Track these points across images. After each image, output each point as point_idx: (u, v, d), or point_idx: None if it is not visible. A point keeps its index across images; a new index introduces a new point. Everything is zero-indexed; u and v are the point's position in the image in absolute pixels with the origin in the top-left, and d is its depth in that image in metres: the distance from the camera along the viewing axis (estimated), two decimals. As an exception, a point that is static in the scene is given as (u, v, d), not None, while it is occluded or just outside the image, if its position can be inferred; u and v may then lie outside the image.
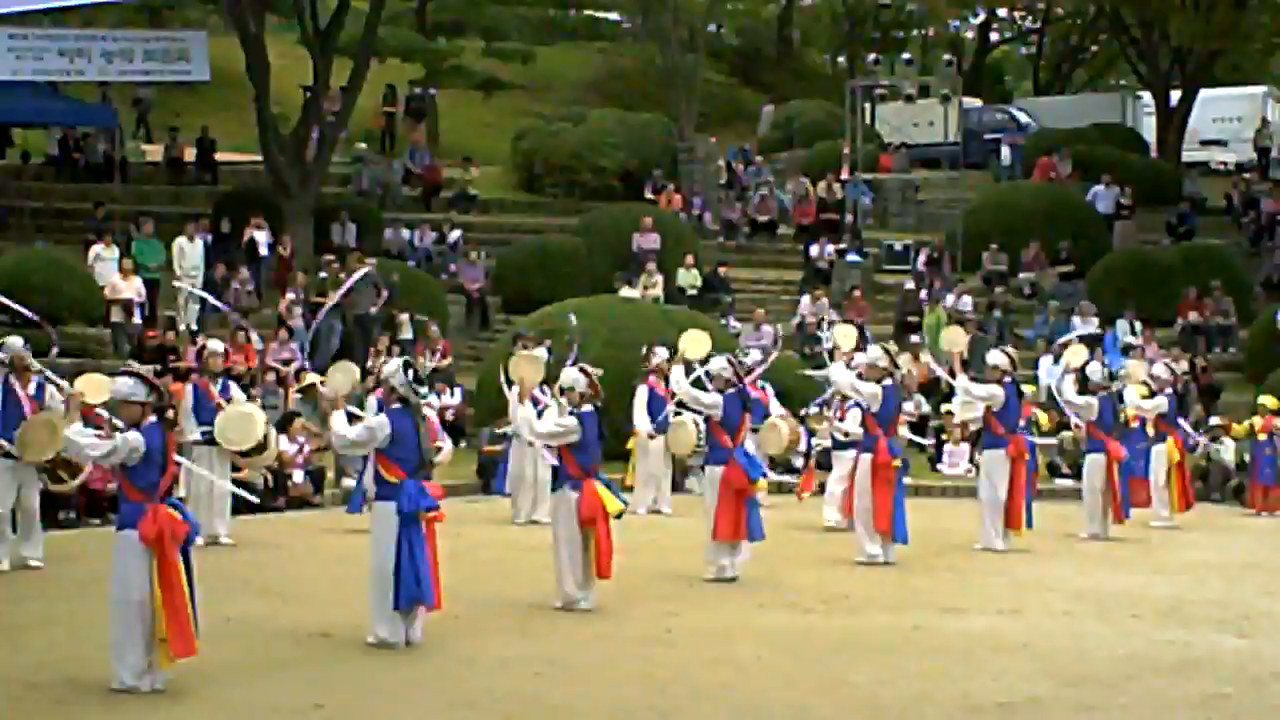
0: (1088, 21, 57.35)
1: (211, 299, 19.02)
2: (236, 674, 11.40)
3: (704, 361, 16.94)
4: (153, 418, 10.99)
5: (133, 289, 28.06)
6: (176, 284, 28.30)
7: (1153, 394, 21.85)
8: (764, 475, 16.42)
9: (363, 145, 39.78)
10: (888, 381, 17.40)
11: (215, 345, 18.91)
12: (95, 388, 14.33)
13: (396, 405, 12.53)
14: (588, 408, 14.17)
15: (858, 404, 18.23)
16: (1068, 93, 59.49)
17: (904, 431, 20.73)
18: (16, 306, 17.79)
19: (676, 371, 17.22)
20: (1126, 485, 20.32)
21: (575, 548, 14.05)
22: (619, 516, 14.16)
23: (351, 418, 13.36)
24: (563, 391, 14.35)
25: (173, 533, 10.84)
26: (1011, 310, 33.17)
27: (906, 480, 23.49)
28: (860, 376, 17.60)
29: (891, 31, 62.16)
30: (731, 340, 27.34)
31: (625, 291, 31.26)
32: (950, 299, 32.55)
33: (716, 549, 15.94)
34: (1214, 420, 25.76)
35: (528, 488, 20.27)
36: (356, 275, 24.67)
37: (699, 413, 16.75)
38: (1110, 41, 54.82)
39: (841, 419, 19.94)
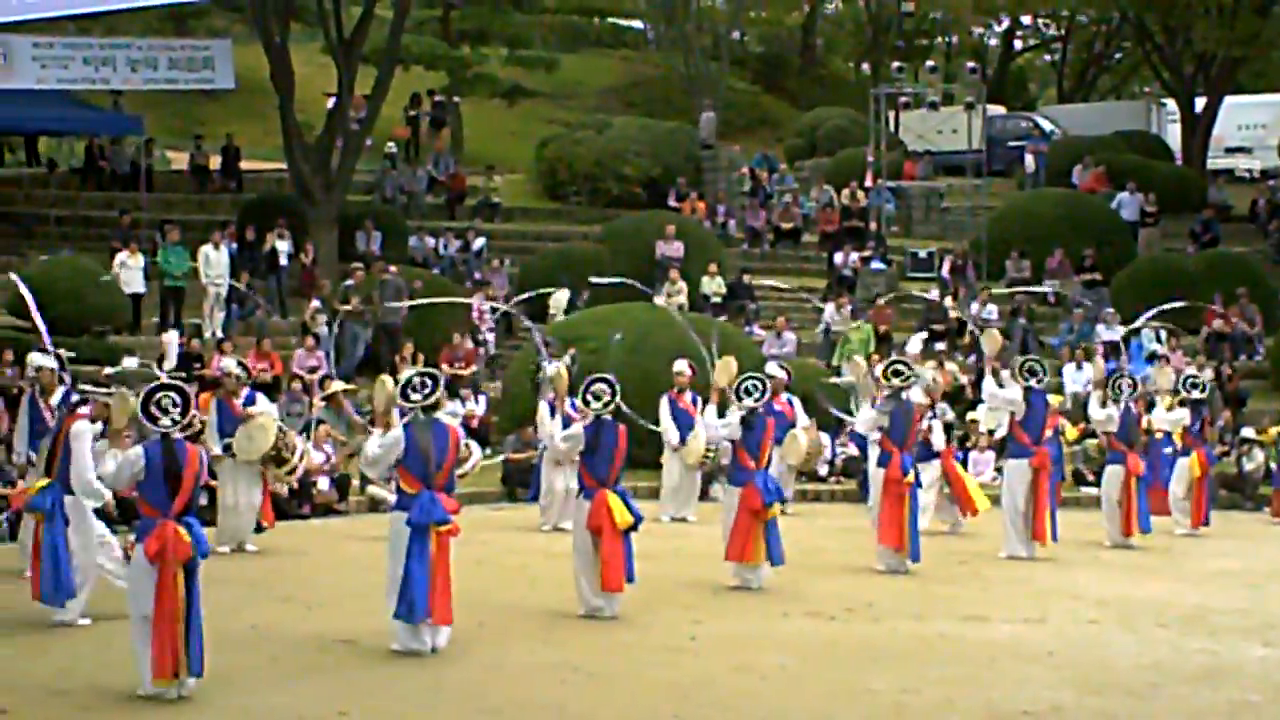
0: (1111, 29, 57.19)
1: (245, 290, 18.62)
2: (261, 681, 11.44)
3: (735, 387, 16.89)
4: (157, 435, 11.02)
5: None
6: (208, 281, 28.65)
7: (1182, 403, 21.81)
8: (782, 499, 16.36)
9: (392, 145, 39.81)
10: (904, 394, 17.51)
11: (229, 364, 18.94)
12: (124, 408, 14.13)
13: (415, 417, 12.55)
14: (605, 417, 14.20)
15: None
16: (1092, 100, 59.39)
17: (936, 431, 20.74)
18: None
19: (709, 412, 17.23)
20: (1145, 500, 20.20)
21: (588, 556, 14.08)
22: (632, 529, 14.14)
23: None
24: (587, 399, 14.37)
25: (174, 552, 10.82)
26: (1035, 318, 33.05)
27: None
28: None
29: (915, 39, 62.04)
30: (754, 347, 27.34)
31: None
32: (975, 307, 32.49)
33: (737, 567, 15.95)
34: (1247, 432, 25.60)
35: (556, 495, 20.32)
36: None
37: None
38: (1134, 49, 54.67)
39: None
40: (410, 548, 12.23)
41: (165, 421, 10.96)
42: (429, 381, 12.58)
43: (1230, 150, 48.85)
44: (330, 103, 36.60)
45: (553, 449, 14.88)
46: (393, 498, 12.98)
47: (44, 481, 13.82)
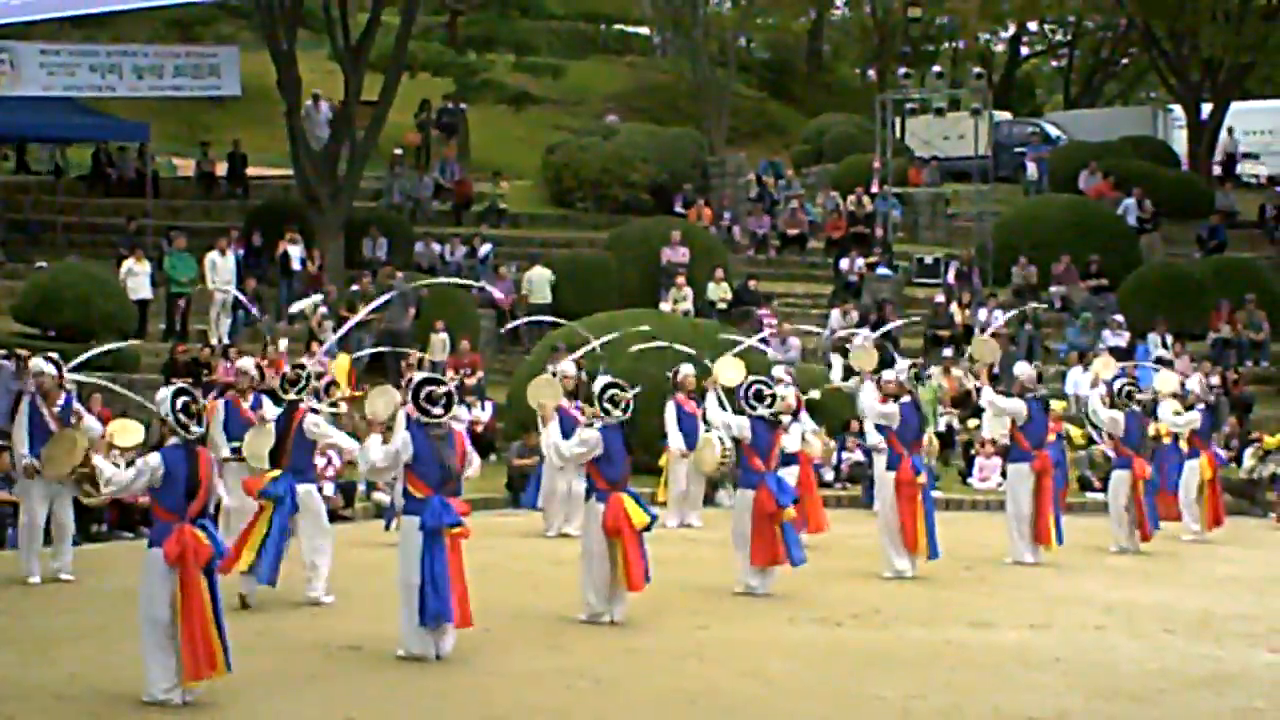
0: (1118, 35, 57.27)
1: (244, 300, 18.58)
2: (267, 686, 11.45)
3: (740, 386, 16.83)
4: (174, 439, 11.05)
5: None
6: (215, 288, 28.56)
7: (1189, 408, 21.76)
8: (795, 501, 16.29)
9: (399, 151, 39.75)
10: (906, 398, 17.48)
11: (246, 364, 18.93)
12: (128, 433, 14.77)
13: (421, 422, 12.55)
14: (613, 421, 14.23)
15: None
16: (1098, 106, 59.37)
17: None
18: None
19: (710, 398, 17.29)
20: (1152, 503, 20.18)
21: (602, 561, 14.08)
22: (647, 529, 14.20)
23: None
24: (597, 400, 14.40)
25: (196, 554, 10.86)
26: (1042, 324, 33.04)
27: (937, 494, 23.56)
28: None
29: (922, 45, 62.00)
30: (760, 354, 27.31)
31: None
32: (983, 313, 32.48)
33: (749, 570, 15.92)
34: (1266, 441, 25.56)
35: (560, 501, 20.29)
36: (389, 295, 24.78)
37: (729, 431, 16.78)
38: (1141, 54, 54.69)
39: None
40: (426, 553, 12.25)
41: (195, 429, 11.08)
42: (446, 397, 12.56)
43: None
44: (309, 102, 36.40)
45: (560, 459, 14.90)
46: (400, 502, 12.99)
47: (276, 472, 15.01)
